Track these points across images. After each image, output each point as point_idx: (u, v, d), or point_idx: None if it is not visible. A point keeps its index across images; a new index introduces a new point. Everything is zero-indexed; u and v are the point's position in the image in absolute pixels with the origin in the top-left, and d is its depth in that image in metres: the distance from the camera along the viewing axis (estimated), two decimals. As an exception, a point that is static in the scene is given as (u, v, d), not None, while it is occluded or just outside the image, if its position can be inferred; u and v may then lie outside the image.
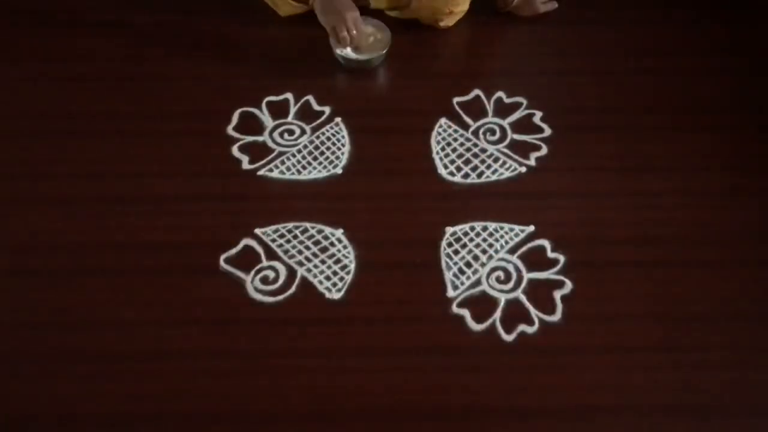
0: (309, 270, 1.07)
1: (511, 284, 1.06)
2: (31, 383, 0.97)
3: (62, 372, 0.98)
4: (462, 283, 1.06)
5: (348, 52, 1.30)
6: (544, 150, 1.21)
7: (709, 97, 1.29)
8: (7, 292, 1.05)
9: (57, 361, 0.99)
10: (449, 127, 1.24)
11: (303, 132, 1.24)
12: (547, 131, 1.24)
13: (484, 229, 1.12)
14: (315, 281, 1.06)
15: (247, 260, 1.08)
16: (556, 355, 1.00)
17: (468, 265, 1.08)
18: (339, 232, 1.11)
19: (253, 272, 1.07)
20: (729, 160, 1.20)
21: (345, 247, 1.10)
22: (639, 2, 1.45)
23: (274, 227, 1.12)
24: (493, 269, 1.08)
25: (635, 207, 1.14)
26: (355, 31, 1.24)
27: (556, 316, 1.03)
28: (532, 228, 1.12)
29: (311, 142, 1.22)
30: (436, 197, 1.16)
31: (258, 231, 1.11)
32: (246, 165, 1.19)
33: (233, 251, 1.09)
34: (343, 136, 1.23)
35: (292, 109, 1.27)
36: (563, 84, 1.32)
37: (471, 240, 1.10)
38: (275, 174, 1.18)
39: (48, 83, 1.31)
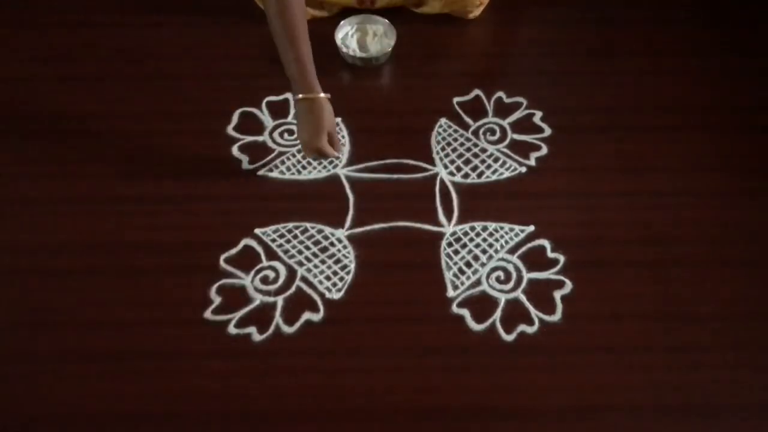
0: (309, 270, 1.07)
1: (511, 284, 1.06)
2: (31, 383, 0.97)
3: (62, 372, 0.98)
4: (462, 283, 1.06)
5: (354, 49, 1.31)
6: (544, 150, 1.21)
7: (709, 97, 1.29)
8: (7, 292, 1.05)
9: (57, 361, 0.99)
10: (449, 127, 1.24)
11: (303, 132, 1.24)
12: (547, 131, 1.24)
13: (484, 229, 1.12)
14: (315, 281, 1.06)
15: (247, 260, 1.08)
16: (556, 355, 1.00)
17: (468, 265, 1.08)
18: (339, 232, 1.11)
19: (253, 272, 1.07)
20: (729, 160, 1.20)
21: (345, 247, 1.10)
22: (639, 2, 1.45)
23: (274, 227, 1.12)
24: (493, 269, 1.08)
25: (635, 207, 1.14)
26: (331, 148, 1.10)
27: (556, 316, 1.03)
28: (532, 228, 1.12)
29: (311, 142, 1.22)
30: (436, 197, 1.15)
31: (258, 231, 1.11)
32: (246, 165, 1.19)
33: (233, 251, 1.09)
34: (343, 136, 1.23)
35: (292, 109, 1.26)
36: (563, 84, 1.32)
37: (471, 240, 1.10)
38: (275, 174, 1.18)
39: (48, 83, 1.31)
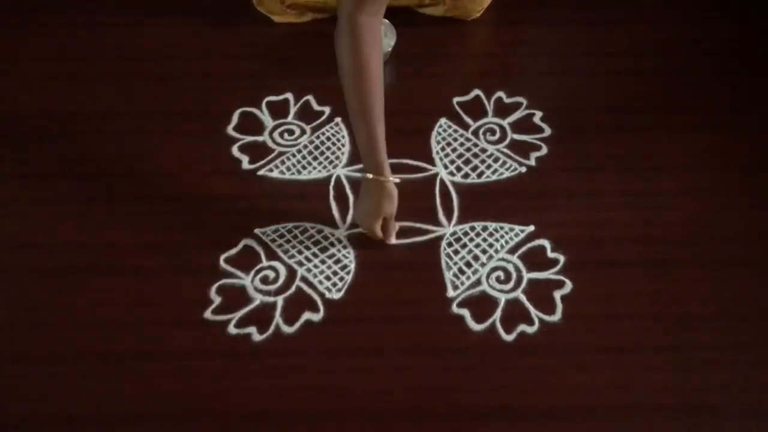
0: (309, 270, 1.07)
1: (511, 284, 1.06)
2: (31, 383, 0.97)
3: (61, 372, 0.98)
4: (462, 283, 1.06)
5: None
6: (544, 150, 1.21)
7: (709, 97, 1.29)
8: (7, 292, 1.05)
9: (56, 361, 0.99)
10: (449, 127, 1.24)
11: (303, 132, 1.24)
12: (547, 131, 1.24)
13: (484, 229, 1.12)
14: (315, 281, 1.06)
15: (247, 260, 1.08)
16: (556, 355, 1.00)
17: (468, 265, 1.08)
18: (339, 232, 1.11)
19: (253, 272, 1.07)
20: (729, 160, 1.20)
21: (345, 247, 1.10)
22: (639, 2, 1.45)
23: (274, 227, 1.12)
24: (493, 269, 1.08)
25: (635, 207, 1.14)
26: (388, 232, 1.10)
27: (556, 316, 1.03)
28: (532, 228, 1.12)
29: (311, 142, 1.22)
30: (436, 197, 1.15)
31: (258, 231, 1.11)
32: (246, 165, 1.19)
33: (233, 251, 1.09)
34: (343, 136, 1.23)
35: (292, 109, 1.27)
36: (563, 84, 1.32)
37: (471, 240, 1.10)
38: (275, 174, 1.18)
39: (48, 83, 1.31)
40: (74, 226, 1.12)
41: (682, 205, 1.15)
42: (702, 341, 1.01)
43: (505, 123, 1.25)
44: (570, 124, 1.25)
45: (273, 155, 1.21)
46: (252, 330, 1.02)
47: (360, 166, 1.18)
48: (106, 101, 1.28)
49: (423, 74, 1.33)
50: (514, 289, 1.05)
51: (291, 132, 1.24)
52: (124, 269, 1.07)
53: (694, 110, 1.27)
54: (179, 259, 1.08)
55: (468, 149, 1.21)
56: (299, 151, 1.21)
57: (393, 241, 1.10)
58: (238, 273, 1.07)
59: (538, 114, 1.26)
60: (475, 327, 1.02)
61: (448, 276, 1.07)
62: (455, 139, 1.23)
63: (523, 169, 1.19)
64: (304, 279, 1.07)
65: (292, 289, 1.06)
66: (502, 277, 1.07)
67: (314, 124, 1.25)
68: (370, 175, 1.02)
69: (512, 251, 1.09)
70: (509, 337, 1.01)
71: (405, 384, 0.97)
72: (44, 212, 1.13)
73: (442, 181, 1.17)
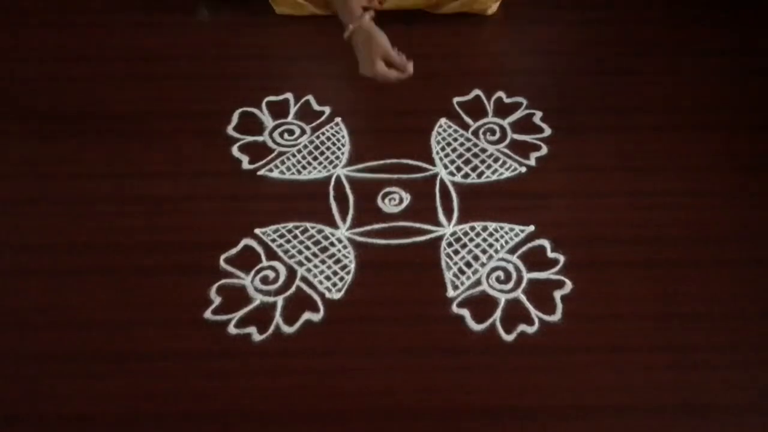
0: (309, 270, 1.07)
1: (511, 284, 1.06)
2: (31, 383, 0.97)
3: (62, 372, 0.98)
4: (462, 283, 1.06)
5: None
6: (544, 150, 1.21)
7: (709, 97, 1.29)
8: (7, 292, 1.05)
9: (57, 361, 0.99)
10: (449, 127, 1.24)
11: (303, 132, 1.24)
12: (547, 131, 1.24)
13: (484, 229, 1.12)
14: (315, 281, 1.06)
15: (247, 260, 1.08)
16: (556, 355, 1.00)
17: (468, 265, 1.08)
18: (339, 232, 1.11)
19: (253, 272, 1.07)
20: (729, 160, 1.20)
21: (345, 247, 1.10)
22: (639, 2, 1.45)
23: (274, 227, 1.12)
24: (493, 269, 1.08)
25: (635, 207, 1.14)
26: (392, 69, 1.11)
27: (556, 316, 1.03)
28: (532, 228, 1.12)
29: (311, 142, 1.22)
30: (436, 197, 1.15)
31: (258, 231, 1.11)
32: (246, 165, 1.19)
33: (233, 251, 1.09)
34: (343, 136, 1.23)
35: (292, 109, 1.27)
36: (563, 84, 1.32)
37: (471, 240, 1.10)
38: (275, 174, 1.18)
39: (48, 83, 1.31)
40: (74, 226, 1.12)
41: (682, 205, 1.15)
42: (702, 341, 1.01)
43: (505, 123, 1.25)
44: (570, 124, 1.25)
45: (273, 155, 1.21)
46: (252, 330, 1.01)
47: (359, 165, 1.19)
48: (106, 101, 1.28)
49: (423, 74, 1.33)
50: (514, 289, 1.05)
51: (291, 132, 1.24)
52: (124, 269, 1.07)
53: (695, 110, 1.27)
54: (179, 259, 1.08)
55: (468, 149, 1.21)
56: (299, 151, 1.21)
57: (411, 69, 1.10)
58: (238, 273, 1.07)
59: (538, 114, 1.26)
60: (475, 327, 1.02)
61: (448, 276, 1.07)
62: (455, 139, 1.23)
63: (523, 169, 1.19)
64: (304, 279, 1.07)
65: (292, 289, 1.06)
66: (502, 277, 1.07)
67: (314, 124, 1.25)
68: (351, 26, 1.05)
69: (512, 251, 1.09)
70: (509, 337, 1.01)
71: (405, 384, 0.97)
72: (44, 212, 1.13)
73: (442, 181, 1.17)
